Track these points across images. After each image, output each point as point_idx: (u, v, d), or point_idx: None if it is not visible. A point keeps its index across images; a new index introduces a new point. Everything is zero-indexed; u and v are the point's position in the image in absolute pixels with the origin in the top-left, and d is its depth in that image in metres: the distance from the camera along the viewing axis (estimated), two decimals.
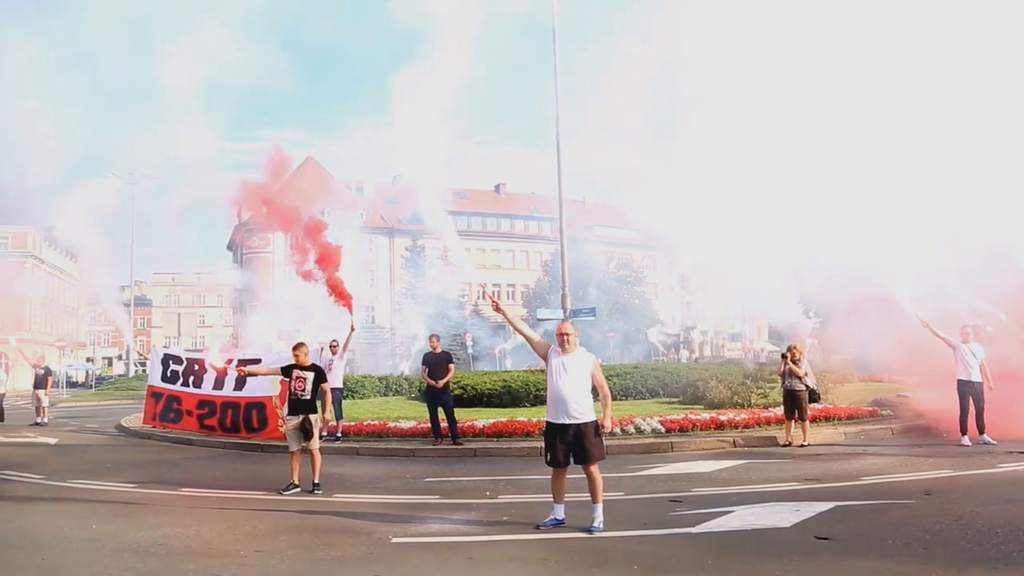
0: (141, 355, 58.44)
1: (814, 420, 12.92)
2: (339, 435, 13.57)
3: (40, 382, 20.00)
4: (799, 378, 12.26)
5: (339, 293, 13.33)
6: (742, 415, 13.80)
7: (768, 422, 13.51)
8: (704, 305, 74.53)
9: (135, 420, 17.65)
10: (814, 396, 12.49)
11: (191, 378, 14.83)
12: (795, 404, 12.17)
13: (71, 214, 27.53)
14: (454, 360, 13.59)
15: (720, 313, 69.01)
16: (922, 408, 13.41)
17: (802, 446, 11.79)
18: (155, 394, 15.28)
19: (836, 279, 15.93)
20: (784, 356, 12.79)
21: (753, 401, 15.74)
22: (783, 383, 12.61)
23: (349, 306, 13.51)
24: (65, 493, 9.08)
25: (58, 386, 34.76)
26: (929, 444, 11.54)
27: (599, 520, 6.51)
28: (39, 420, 19.37)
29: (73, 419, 21.95)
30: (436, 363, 12.91)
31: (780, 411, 13.48)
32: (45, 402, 19.87)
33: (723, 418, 13.48)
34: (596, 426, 6.67)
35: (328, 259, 13.23)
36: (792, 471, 9.60)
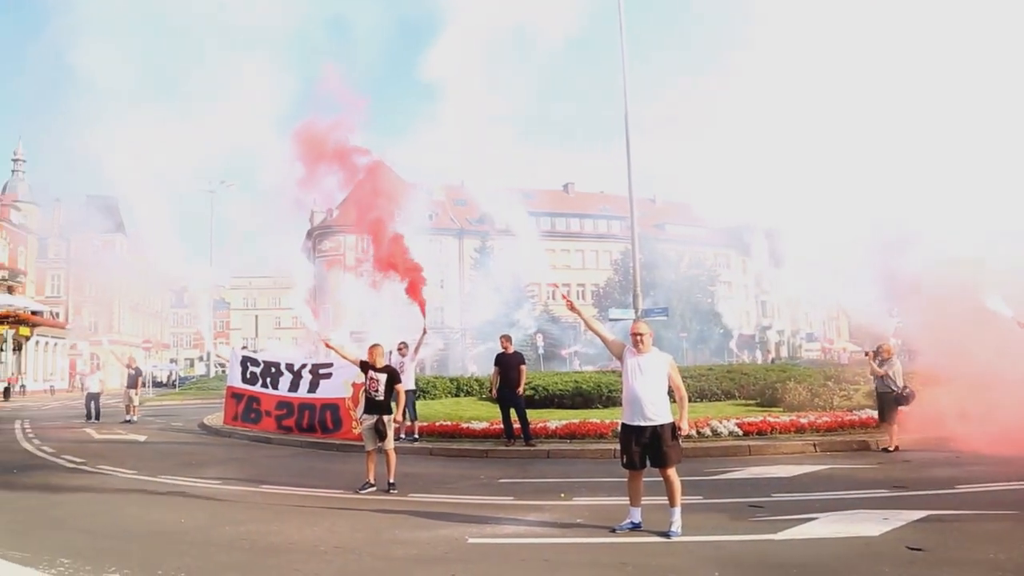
0: (220, 357, 60.26)
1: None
2: (416, 436, 13.67)
3: (132, 382, 21.20)
4: (882, 379, 11.81)
5: (414, 288, 12.84)
6: (824, 418, 13.33)
7: (852, 425, 13.01)
8: (780, 303, 72.78)
9: (216, 419, 18.28)
10: (901, 399, 11.92)
11: (268, 379, 15.30)
12: (881, 406, 11.72)
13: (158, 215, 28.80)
14: (526, 361, 13.51)
15: (797, 309, 67.10)
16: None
17: (887, 451, 11.35)
18: (235, 395, 15.81)
19: (920, 275, 15.20)
20: (867, 354, 12.34)
21: (835, 403, 15.22)
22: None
23: (422, 308, 13.36)
24: (155, 487, 9.47)
25: (146, 386, 36.30)
26: None
27: (677, 525, 6.37)
28: (128, 418, 20.36)
29: (159, 418, 22.90)
30: (508, 364, 12.89)
31: (864, 414, 13.02)
32: (136, 401, 21.01)
33: (803, 421, 13.06)
34: (673, 428, 6.52)
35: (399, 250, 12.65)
36: (879, 477, 9.22)
